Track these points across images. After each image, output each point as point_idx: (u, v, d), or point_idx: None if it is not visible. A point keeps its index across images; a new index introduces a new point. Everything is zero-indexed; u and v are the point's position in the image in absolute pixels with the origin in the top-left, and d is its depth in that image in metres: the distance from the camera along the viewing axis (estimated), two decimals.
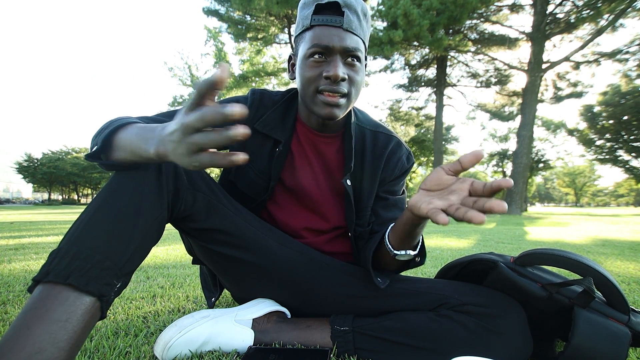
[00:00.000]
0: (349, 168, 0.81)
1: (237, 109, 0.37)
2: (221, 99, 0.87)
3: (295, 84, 0.80)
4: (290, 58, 0.81)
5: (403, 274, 1.09)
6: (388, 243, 0.71)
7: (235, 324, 0.76)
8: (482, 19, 15.44)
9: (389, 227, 0.74)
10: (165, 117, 0.75)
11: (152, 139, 0.48)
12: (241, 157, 0.40)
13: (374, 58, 15.55)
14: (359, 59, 0.72)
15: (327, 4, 0.69)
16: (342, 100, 0.72)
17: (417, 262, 0.77)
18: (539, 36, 13.21)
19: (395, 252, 0.70)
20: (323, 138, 0.84)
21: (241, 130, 0.38)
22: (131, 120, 0.60)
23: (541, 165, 29.83)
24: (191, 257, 0.93)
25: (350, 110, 0.84)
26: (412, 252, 0.70)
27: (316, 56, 0.70)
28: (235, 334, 0.75)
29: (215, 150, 0.43)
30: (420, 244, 0.72)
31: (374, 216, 0.86)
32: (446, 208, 0.49)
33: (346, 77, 0.70)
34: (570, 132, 27.89)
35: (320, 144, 0.85)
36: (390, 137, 0.87)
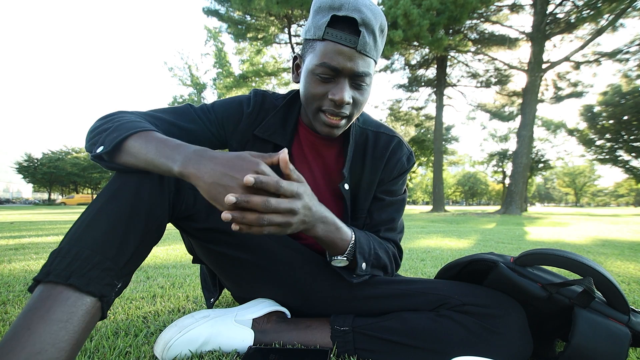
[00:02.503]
0: (344, 175, 0.80)
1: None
2: (221, 98, 0.87)
3: (299, 86, 0.77)
4: (295, 58, 0.78)
5: (402, 274, 1.09)
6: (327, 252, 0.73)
7: (235, 324, 0.76)
8: (482, 19, 15.43)
9: None
10: (166, 114, 0.75)
11: (178, 156, 0.53)
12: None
13: None
14: (366, 82, 0.69)
15: (344, 18, 0.64)
16: (343, 122, 0.72)
17: (367, 272, 0.75)
18: (539, 36, 13.20)
19: (328, 259, 0.73)
20: (324, 141, 0.84)
21: None
22: (144, 126, 0.60)
23: (541, 165, 29.84)
24: (191, 257, 0.93)
25: None
26: (343, 257, 0.71)
27: (323, 75, 0.67)
28: (235, 334, 0.75)
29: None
30: (351, 248, 0.70)
31: (368, 218, 0.85)
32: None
33: (351, 101, 0.69)
34: (570, 132, 27.88)
35: (321, 146, 0.84)
36: (391, 137, 0.87)
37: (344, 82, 0.67)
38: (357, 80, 0.68)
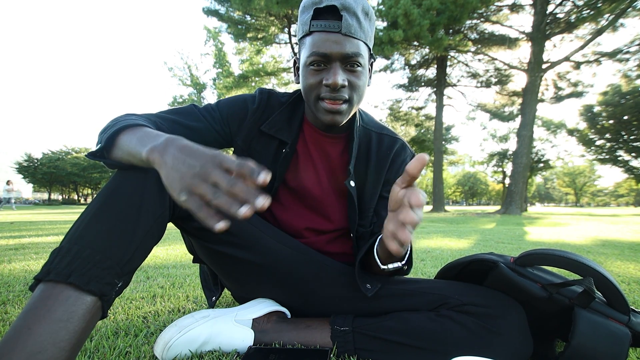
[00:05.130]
0: (349, 172, 0.81)
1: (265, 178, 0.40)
2: (222, 98, 0.87)
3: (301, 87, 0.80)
4: (295, 62, 0.81)
5: None
6: (377, 256, 0.71)
7: (235, 324, 0.76)
8: (482, 19, 15.43)
9: (378, 239, 0.72)
10: (171, 114, 0.76)
11: (149, 144, 0.51)
12: (222, 226, 0.41)
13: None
14: (359, 63, 0.70)
15: (325, 8, 0.68)
16: (344, 106, 0.72)
17: (405, 270, 0.76)
18: (539, 36, 13.19)
19: (383, 266, 0.70)
20: (329, 138, 0.85)
21: (261, 202, 0.40)
22: (138, 122, 0.62)
23: (541, 165, 29.81)
24: (191, 257, 0.93)
25: (356, 112, 0.84)
26: (400, 264, 0.70)
27: (315, 64, 0.70)
28: (235, 334, 0.75)
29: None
30: (408, 254, 0.71)
31: (375, 217, 0.86)
32: (396, 232, 0.50)
33: (346, 83, 0.70)
34: (570, 132, 27.84)
35: (325, 144, 0.85)
36: (395, 140, 0.88)
37: (336, 66, 0.69)
38: (349, 63, 0.69)
